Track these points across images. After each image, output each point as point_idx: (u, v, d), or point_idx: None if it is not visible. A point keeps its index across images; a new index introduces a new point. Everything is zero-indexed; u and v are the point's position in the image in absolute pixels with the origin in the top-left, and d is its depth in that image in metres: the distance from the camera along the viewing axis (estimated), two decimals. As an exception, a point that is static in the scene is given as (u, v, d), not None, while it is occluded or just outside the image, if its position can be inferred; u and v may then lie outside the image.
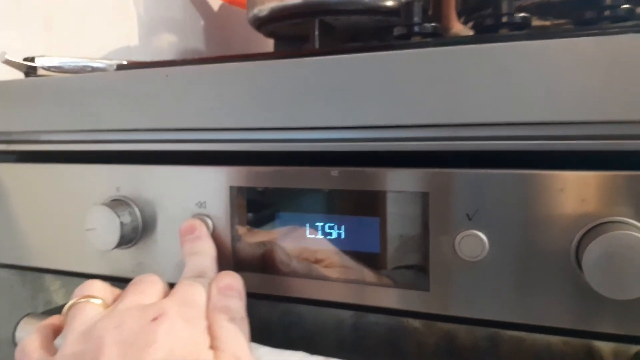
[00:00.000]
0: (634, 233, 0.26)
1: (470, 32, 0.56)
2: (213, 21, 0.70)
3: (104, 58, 0.57)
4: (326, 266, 0.34)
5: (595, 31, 0.30)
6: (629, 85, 0.26)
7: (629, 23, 0.31)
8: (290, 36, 0.53)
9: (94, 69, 0.48)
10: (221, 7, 0.72)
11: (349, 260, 0.34)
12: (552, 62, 0.27)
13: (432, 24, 0.37)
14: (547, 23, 0.53)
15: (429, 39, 0.36)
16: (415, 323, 0.33)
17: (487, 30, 0.36)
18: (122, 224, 0.38)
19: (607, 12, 0.33)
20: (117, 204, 0.39)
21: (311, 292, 0.35)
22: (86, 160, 0.41)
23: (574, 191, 0.28)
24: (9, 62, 0.44)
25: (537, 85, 0.27)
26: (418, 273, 0.32)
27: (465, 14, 0.51)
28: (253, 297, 0.37)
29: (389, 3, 0.47)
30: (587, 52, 0.27)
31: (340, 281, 0.34)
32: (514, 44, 0.28)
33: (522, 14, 0.35)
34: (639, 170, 0.27)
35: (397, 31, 0.38)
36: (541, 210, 0.29)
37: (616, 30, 0.30)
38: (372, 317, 0.34)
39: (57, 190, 0.42)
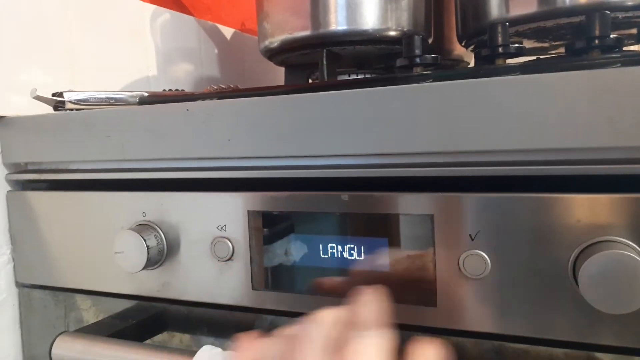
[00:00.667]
0: (625, 252, 0.28)
1: (471, 55, 0.58)
2: (227, 49, 0.74)
3: (125, 88, 0.61)
4: (341, 285, 0.37)
5: (585, 62, 0.33)
6: (614, 114, 0.28)
7: (617, 55, 0.33)
8: (299, 64, 0.56)
9: (117, 100, 0.51)
10: (234, 35, 0.76)
11: (361, 279, 0.36)
12: (542, 94, 0.29)
13: (432, 55, 0.39)
14: (546, 45, 0.55)
15: (429, 71, 0.39)
16: (425, 337, 0.35)
17: (485, 60, 0.39)
18: (148, 247, 0.41)
19: (596, 42, 0.35)
20: (143, 228, 0.42)
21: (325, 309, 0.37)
22: (113, 188, 0.44)
23: (570, 212, 0.30)
24: (39, 98, 0.48)
25: (529, 115, 0.30)
26: (426, 290, 0.34)
27: (465, 39, 0.53)
28: (271, 314, 0.40)
29: (392, 33, 0.50)
30: (575, 84, 0.29)
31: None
32: (507, 79, 0.30)
33: (516, 45, 0.37)
34: (629, 193, 0.29)
35: (399, 62, 0.40)
36: (539, 231, 0.31)
37: (605, 61, 0.33)
38: (384, 332, 0.36)
39: (86, 216, 0.45)
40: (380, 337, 0.26)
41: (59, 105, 0.48)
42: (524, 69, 0.36)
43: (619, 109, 0.28)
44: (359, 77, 0.57)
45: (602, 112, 0.28)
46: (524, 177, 0.31)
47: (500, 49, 0.37)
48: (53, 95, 0.49)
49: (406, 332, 0.36)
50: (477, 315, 0.33)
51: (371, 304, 0.28)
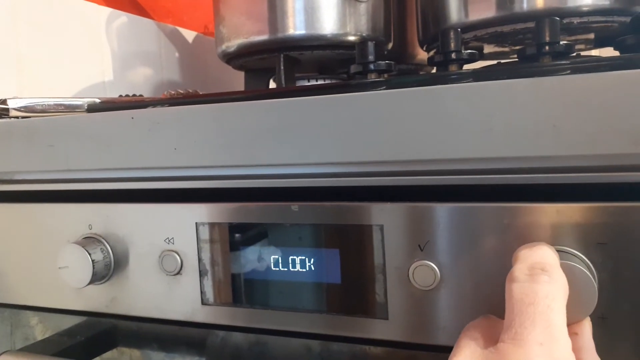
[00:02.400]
0: (571, 262, 0.27)
1: (433, 60, 0.58)
2: (188, 52, 0.72)
3: (78, 95, 0.58)
4: (291, 297, 0.36)
5: (535, 69, 0.32)
6: (558, 122, 0.28)
7: (567, 61, 0.33)
8: (259, 69, 0.55)
9: (67, 107, 0.49)
10: (196, 39, 0.74)
11: (312, 291, 0.35)
12: (487, 103, 0.29)
13: (386, 62, 0.38)
14: (506, 49, 0.55)
15: (383, 77, 0.38)
16: (377, 350, 0.35)
17: (438, 65, 0.38)
18: (93, 262, 0.39)
19: (547, 48, 0.35)
20: (88, 241, 0.40)
21: (278, 323, 0.36)
22: (59, 200, 0.42)
23: (517, 221, 0.30)
24: (-19, 105, 0.46)
25: (474, 124, 0.29)
26: (377, 302, 0.33)
27: (426, 43, 0.53)
28: (223, 329, 0.39)
29: (351, 38, 0.49)
30: (521, 92, 0.29)
31: (304, 311, 0.35)
32: (453, 87, 0.30)
33: (469, 51, 0.37)
34: (575, 202, 0.29)
35: (353, 69, 0.39)
36: (488, 240, 0.30)
37: (554, 68, 0.32)
38: (336, 346, 0.36)
39: (31, 229, 0.43)
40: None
41: (2, 113, 0.46)
42: (477, 75, 0.35)
43: (564, 116, 0.28)
44: (319, 82, 0.56)
45: (547, 120, 0.28)
46: (472, 186, 0.31)
47: (452, 55, 0.37)
48: (-4, 102, 0.46)
49: (358, 345, 0.35)
50: (429, 327, 0.32)
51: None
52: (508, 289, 0.25)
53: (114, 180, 0.40)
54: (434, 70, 0.67)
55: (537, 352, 0.22)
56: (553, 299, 0.23)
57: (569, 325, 0.27)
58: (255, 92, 0.42)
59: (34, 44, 0.53)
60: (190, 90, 0.57)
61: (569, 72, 0.33)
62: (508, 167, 0.29)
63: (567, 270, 0.27)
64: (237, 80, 0.68)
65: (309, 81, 0.56)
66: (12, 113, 0.45)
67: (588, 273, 0.27)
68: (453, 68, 0.38)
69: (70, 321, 0.44)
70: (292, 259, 0.36)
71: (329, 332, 0.35)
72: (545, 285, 0.24)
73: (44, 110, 0.47)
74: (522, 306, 0.23)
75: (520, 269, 0.25)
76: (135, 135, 0.38)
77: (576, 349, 0.25)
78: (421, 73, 0.66)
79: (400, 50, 0.60)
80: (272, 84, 0.62)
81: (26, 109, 0.46)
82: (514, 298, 0.24)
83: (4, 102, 0.45)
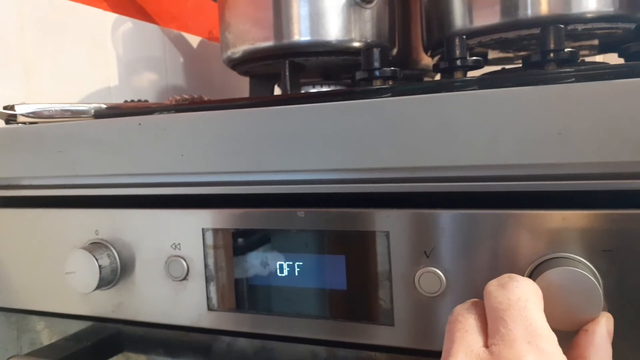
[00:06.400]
0: (576, 269, 0.27)
1: (438, 65, 0.58)
2: (192, 57, 0.72)
3: (84, 100, 0.59)
4: (297, 303, 0.36)
5: (540, 76, 0.33)
6: (564, 130, 0.28)
7: (571, 69, 0.33)
8: (264, 74, 0.56)
9: (74, 113, 0.49)
10: (200, 44, 0.74)
11: (318, 297, 0.35)
12: (493, 110, 0.29)
13: (391, 68, 0.39)
14: (510, 55, 0.55)
15: (388, 84, 0.38)
16: (383, 356, 0.35)
17: (443, 72, 0.38)
18: (100, 267, 0.39)
19: (552, 55, 0.35)
20: (95, 247, 0.40)
21: (284, 329, 0.36)
22: (66, 205, 0.43)
23: (522, 228, 0.30)
24: (-11, 111, 0.46)
25: (480, 131, 0.29)
26: (383, 308, 0.33)
27: (430, 49, 0.53)
28: (229, 335, 0.39)
29: (355, 44, 0.49)
30: (527, 99, 0.29)
31: (310, 317, 0.35)
32: (459, 94, 0.30)
33: (474, 58, 0.37)
34: (579, 209, 0.29)
35: (359, 75, 0.40)
36: (493, 247, 0.30)
37: (559, 75, 0.33)
38: (342, 352, 0.36)
39: (38, 234, 0.44)
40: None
41: (10, 119, 0.47)
42: (482, 83, 0.35)
43: (569, 124, 0.28)
44: (324, 88, 0.57)
45: (553, 127, 0.28)
46: (478, 193, 0.31)
47: (458, 62, 0.37)
48: (4, 108, 0.47)
49: (364, 351, 0.36)
50: (435, 333, 0.32)
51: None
52: (485, 301, 0.27)
53: (121, 186, 0.40)
54: (437, 77, 0.68)
55: (526, 349, 0.23)
56: (526, 300, 0.25)
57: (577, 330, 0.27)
58: (261, 99, 0.43)
59: (41, 50, 0.54)
60: (195, 96, 0.57)
61: (573, 79, 0.33)
62: (514, 174, 0.29)
63: (572, 277, 0.27)
64: (241, 85, 0.68)
65: (313, 87, 0.56)
66: (20, 119, 0.46)
67: (593, 280, 0.27)
68: (458, 75, 0.38)
69: (77, 326, 0.44)
70: (298, 265, 0.36)
71: (335, 338, 0.35)
72: (516, 290, 0.26)
73: (51, 116, 0.47)
74: (500, 312, 0.25)
75: (491, 284, 0.27)
76: (142, 141, 0.38)
77: (582, 346, 0.26)
78: (425, 79, 0.66)
79: (404, 55, 0.61)
80: (277, 90, 0.62)
81: (34, 114, 0.46)
82: (491, 307, 0.26)
83: (12, 107, 0.46)
